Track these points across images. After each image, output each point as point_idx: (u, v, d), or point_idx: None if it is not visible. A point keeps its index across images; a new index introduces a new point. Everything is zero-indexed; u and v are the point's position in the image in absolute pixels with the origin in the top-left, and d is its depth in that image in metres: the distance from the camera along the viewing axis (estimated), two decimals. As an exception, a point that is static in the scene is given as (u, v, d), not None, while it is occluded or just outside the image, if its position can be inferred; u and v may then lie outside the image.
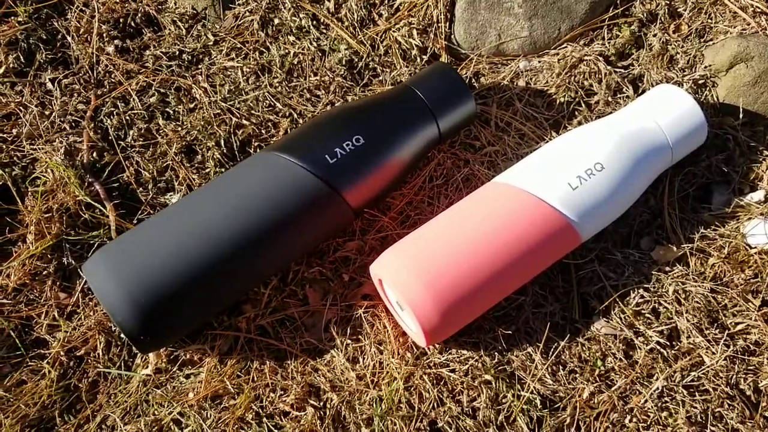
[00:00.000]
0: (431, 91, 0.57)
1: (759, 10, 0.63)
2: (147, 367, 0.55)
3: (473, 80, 0.65)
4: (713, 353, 0.54)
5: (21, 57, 0.62)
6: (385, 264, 0.52)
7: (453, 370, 0.54)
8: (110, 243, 0.51)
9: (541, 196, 0.52)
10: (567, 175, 0.53)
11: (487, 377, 0.53)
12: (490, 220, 0.52)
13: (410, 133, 0.55)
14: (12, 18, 0.64)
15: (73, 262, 0.57)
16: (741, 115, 0.61)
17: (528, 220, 0.51)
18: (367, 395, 0.53)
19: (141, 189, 0.60)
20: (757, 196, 0.60)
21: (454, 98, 0.57)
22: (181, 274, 0.48)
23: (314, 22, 0.65)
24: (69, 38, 0.64)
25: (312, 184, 0.51)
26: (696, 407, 0.53)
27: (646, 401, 0.53)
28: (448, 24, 0.65)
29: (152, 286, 0.48)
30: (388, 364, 0.54)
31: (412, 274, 0.49)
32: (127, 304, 0.47)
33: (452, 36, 0.65)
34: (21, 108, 0.61)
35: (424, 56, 0.64)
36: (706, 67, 0.62)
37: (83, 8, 0.65)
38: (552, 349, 0.55)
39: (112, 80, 0.63)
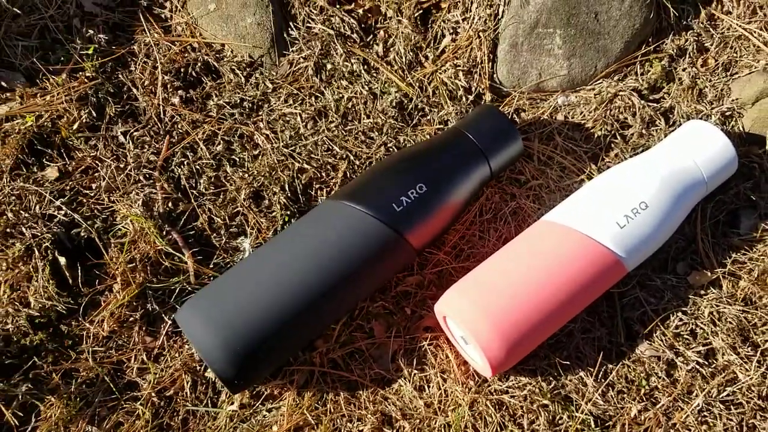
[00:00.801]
0: (481, 133, 0.62)
1: (782, 46, 0.68)
2: (232, 403, 0.61)
3: (515, 116, 0.70)
4: (747, 369, 0.60)
5: (92, 111, 0.67)
6: (450, 302, 0.58)
7: (513, 396, 0.60)
8: (199, 292, 0.56)
9: (593, 236, 0.57)
10: (615, 214, 0.58)
11: (544, 401, 0.60)
12: (548, 259, 0.57)
13: (466, 175, 0.61)
14: (80, 74, 0.68)
15: (157, 307, 0.62)
16: (767, 145, 0.67)
17: (582, 259, 0.57)
18: (436, 422, 0.60)
19: (214, 235, 0.65)
20: (783, 221, 0.65)
21: (502, 138, 0.62)
22: (268, 321, 0.54)
23: (365, 67, 0.70)
24: (135, 90, 0.69)
25: (382, 231, 0.57)
26: (732, 420, 0.59)
27: (687, 416, 0.59)
28: (490, 64, 0.70)
29: (245, 333, 0.53)
30: (452, 392, 0.61)
31: (479, 312, 0.55)
32: (224, 351, 0.53)
33: (495, 75, 0.70)
34: (97, 162, 0.66)
35: (469, 96, 0.69)
36: (733, 100, 0.68)
37: (146, 60, 0.69)
38: (601, 372, 0.61)
39: (179, 130, 0.68)
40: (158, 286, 0.63)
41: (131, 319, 0.62)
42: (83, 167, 0.66)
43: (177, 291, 0.63)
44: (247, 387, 0.58)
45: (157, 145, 0.67)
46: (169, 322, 0.62)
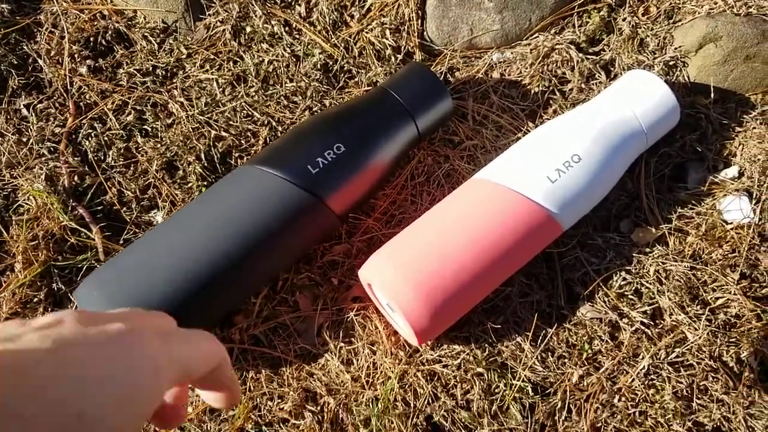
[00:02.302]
0: (407, 91, 0.59)
1: (723, -12, 0.66)
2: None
3: (448, 75, 0.68)
4: (695, 329, 0.58)
5: (-6, 84, 0.64)
6: (372, 268, 0.55)
7: (446, 365, 0.57)
8: (100, 267, 0.54)
9: (522, 192, 0.55)
10: (546, 169, 0.56)
11: (479, 369, 0.57)
12: (474, 218, 0.55)
13: (389, 136, 0.58)
14: (-19, 45, 0.66)
15: (63, 287, 0.59)
16: (712, 94, 0.64)
17: (511, 216, 0.55)
18: (363, 396, 0.57)
19: (125, 209, 0.62)
20: (731, 172, 0.63)
21: (430, 97, 0.60)
22: (174, 294, 0.51)
23: (286, 28, 0.68)
24: (40, 61, 0.66)
25: (297, 195, 0.54)
26: (681, 382, 0.57)
27: (633, 380, 0.57)
28: (420, 22, 0.67)
29: (148, 307, 0.50)
30: (381, 364, 0.58)
31: (401, 277, 0.52)
32: None
33: (425, 33, 0.68)
34: (-1, 136, 0.63)
35: (398, 55, 0.67)
36: (676, 48, 0.65)
37: (52, 29, 0.67)
38: (540, 337, 0.58)
39: (88, 101, 0.65)
40: (64, 264, 0.60)
41: (35, 299, 0.59)
42: (-17, 142, 0.63)
43: (84, 269, 0.60)
44: None
45: (63, 118, 0.64)
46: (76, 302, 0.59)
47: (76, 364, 0.25)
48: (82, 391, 0.25)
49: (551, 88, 0.67)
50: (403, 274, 0.53)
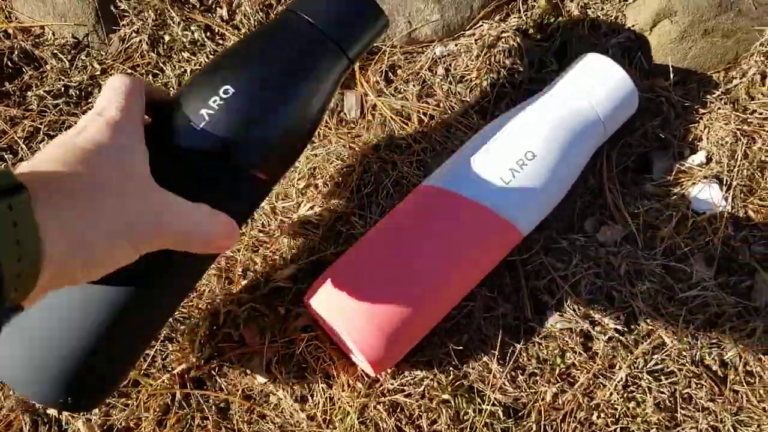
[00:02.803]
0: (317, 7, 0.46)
1: (676, -38, 0.62)
2: (81, 442, 0.52)
3: (390, 73, 0.63)
4: (674, 332, 0.54)
5: None
6: (318, 295, 0.50)
7: (408, 395, 0.53)
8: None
9: (476, 198, 0.50)
10: (498, 170, 0.51)
11: (445, 396, 0.52)
12: (425, 231, 0.50)
13: (302, 66, 0.45)
14: None
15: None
16: (672, 75, 0.60)
17: (467, 226, 0.50)
18: (321, 436, 0.52)
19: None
20: (698, 158, 0.59)
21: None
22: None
23: (208, 34, 0.62)
24: (-62, 90, 0.60)
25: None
26: (663, 392, 0.53)
27: (611, 394, 0.53)
28: (353, 18, 0.62)
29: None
30: (339, 399, 0.53)
31: (350, 304, 0.48)
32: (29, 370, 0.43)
33: (359, 30, 0.62)
34: None
35: (332, 56, 0.61)
36: (629, 28, 0.61)
37: (-51, 53, 0.61)
38: (508, 354, 0.54)
39: (-6, 130, 0.59)
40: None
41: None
42: None
43: None
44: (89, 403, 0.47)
45: (-34, 151, 0.58)
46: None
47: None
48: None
49: (501, 80, 0.62)
50: (352, 300, 0.48)
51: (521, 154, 0.51)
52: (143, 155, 0.35)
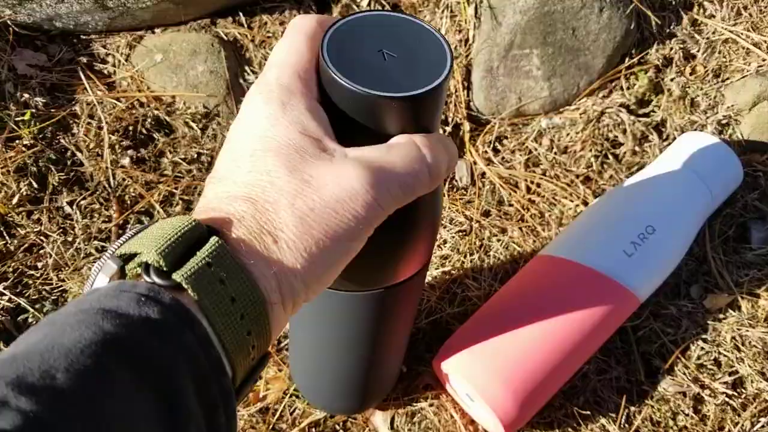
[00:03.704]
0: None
1: (772, 45, 0.66)
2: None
3: (497, 144, 0.67)
4: (780, 397, 0.57)
5: (33, 182, 0.62)
6: (451, 359, 0.53)
7: (531, 454, 0.55)
8: None
9: (600, 269, 0.54)
10: (621, 243, 0.55)
11: (567, 456, 0.55)
12: (554, 299, 0.54)
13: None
14: (17, 142, 0.63)
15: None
16: (769, 151, 0.64)
17: (592, 296, 0.53)
18: (449, 492, 0.55)
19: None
20: (796, 230, 0.62)
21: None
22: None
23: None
24: (79, 155, 0.64)
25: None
26: (773, 455, 0.55)
27: (724, 456, 0.55)
28: (466, 92, 0.67)
29: None
30: (464, 456, 0.56)
31: (485, 368, 0.51)
32: None
33: (471, 103, 0.67)
34: (42, 238, 0.61)
35: (446, 127, 0.66)
36: (728, 107, 0.65)
37: (89, 120, 0.65)
38: (624, 416, 0.57)
39: (132, 194, 0.63)
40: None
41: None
42: (26, 245, 0.61)
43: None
44: None
45: (108, 213, 0.62)
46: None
47: None
48: None
49: (604, 152, 0.66)
50: (487, 364, 0.51)
51: (642, 228, 0.55)
52: (323, 124, 0.29)
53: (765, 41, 0.67)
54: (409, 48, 0.30)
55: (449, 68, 0.29)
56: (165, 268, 0.24)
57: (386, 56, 0.30)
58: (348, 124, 0.29)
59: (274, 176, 0.27)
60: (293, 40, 0.30)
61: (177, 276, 0.24)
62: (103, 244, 0.61)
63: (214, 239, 0.25)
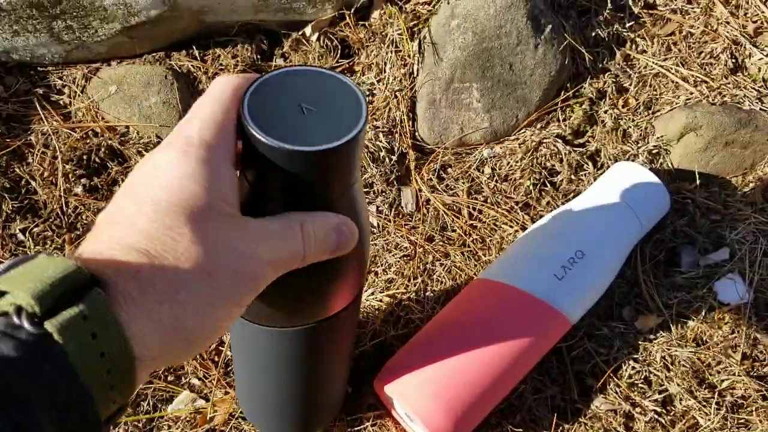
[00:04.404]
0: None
1: (699, 79, 0.70)
2: None
3: (441, 172, 0.70)
4: (706, 413, 0.60)
5: (-13, 210, 0.64)
6: (390, 381, 0.55)
7: (468, 471, 0.58)
8: None
9: (532, 292, 0.57)
10: (552, 266, 0.58)
11: (502, 472, 0.57)
12: (488, 321, 0.56)
13: None
14: (-28, 171, 0.65)
15: None
16: (697, 179, 0.68)
17: (524, 318, 0.56)
18: None
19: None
20: (722, 254, 0.66)
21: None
22: None
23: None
24: (34, 183, 0.66)
25: None
26: (699, 469, 0.58)
27: (653, 471, 0.58)
28: (411, 123, 0.70)
29: None
30: (404, 474, 0.58)
31: (421, 390, 0.53)
32: None
33: (417, 133, 0.70)
34: (-4, 263, 0.62)
35: (392, 156, 0.69)
36: (658, 138, 0.69)
37: (44, 150, 0.67)
38: (558, 434, 0.59)
39: (85, 221, 0.65)
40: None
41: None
42: (-20, 271, 0.62)
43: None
44: None
45: (61, 240, 0.64)
46: None
47: None
48: None
49: (542, 180, 0.69)
50: (424, 387, 0.53)
51: (572, 253, 0.58)
52: (233, 189, 0.29)
53: (693, 75, 0.71)
54: (327, 102, 0.31)
55: (364, 122, 0.31)
56: (38, 314, 0.23)
57: (305, 110, 0.31)
58: (269, 179, 0.31)
59: (177, 233, 0.27)
60: (219, 96, 0.30)
61: (49, 325, 0.23)
62: (55, 270, 0.63)
63: (96, 291, 0.24)
